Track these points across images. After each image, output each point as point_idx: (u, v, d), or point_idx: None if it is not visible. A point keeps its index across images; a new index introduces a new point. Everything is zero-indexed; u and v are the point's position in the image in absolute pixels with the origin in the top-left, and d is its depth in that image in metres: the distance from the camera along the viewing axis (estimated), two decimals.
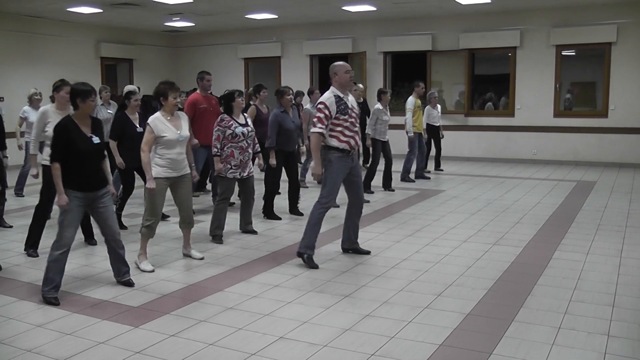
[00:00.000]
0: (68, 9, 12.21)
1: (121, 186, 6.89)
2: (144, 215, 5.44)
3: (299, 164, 8.26)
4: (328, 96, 5.39)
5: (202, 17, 13.79)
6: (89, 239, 6.27)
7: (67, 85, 5.60)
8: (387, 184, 9.50)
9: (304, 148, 8.10)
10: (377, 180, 9.46)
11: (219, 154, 6.24)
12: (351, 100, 5.53)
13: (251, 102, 8.27)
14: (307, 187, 9.61)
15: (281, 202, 8.05)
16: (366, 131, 9.36)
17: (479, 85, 15.11)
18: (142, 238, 5.39)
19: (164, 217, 7.05)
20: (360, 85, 9.41)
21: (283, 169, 7.53)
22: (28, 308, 4.40)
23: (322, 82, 14.33)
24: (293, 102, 7.99)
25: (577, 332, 3.84)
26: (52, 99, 6.11)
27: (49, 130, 5.48)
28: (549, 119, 13.04)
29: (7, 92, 12.38)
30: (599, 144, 12.65)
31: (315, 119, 5.35)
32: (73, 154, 4.48)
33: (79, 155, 4.49)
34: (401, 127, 11.02)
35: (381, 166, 9.41)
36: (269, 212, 7.50)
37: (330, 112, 5.31)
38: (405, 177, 10.56)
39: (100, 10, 12.40)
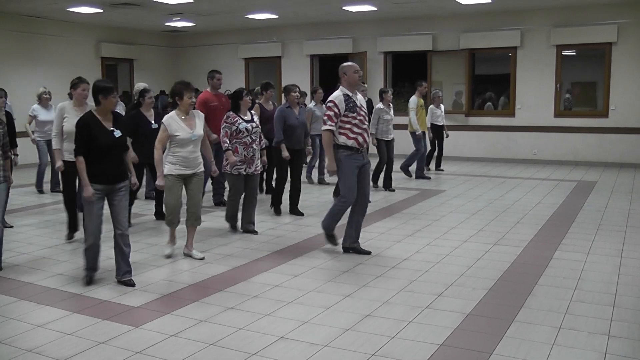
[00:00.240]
0: (68, 9, 12.22)
1: None
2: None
3: (304, 164, 8.29)
4: (337, 94, 5.57)
5: (202, 17, 13.79)
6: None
7: (84, 82, 6.07)
8: (387, 184, 9.52)
9: (309, 148, 8.14)
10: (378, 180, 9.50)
11: (230, 148, 6.38)
12: (360, 99, 5.70)
13: (256, 101, 8.35)
14: (327, 183, 10.11)
15: (281, 202, 8.04)
16: (370, 131, 9.37)
17: (479, 85, 15.10)
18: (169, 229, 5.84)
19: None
20: (365, 85, 9.55)
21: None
22: (28, 308, 4.40)
23: (323, 82, 14.32)
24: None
25: (578, 332, 3.84)
26: (70, 96, 6.44)
27: (66, 125, 5.92)
28: (550, 119, 13.04)
29: (7, 92, 12.32)
30: (599, 144, 12.65)
31: (325, 117, 5.54)
32: (95, 148, 4.67)
33: (101, 149, 4.69)
34: (403, 127, 11.02)
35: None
36: (276, 205, 7.64)
37: (339, 110, 5.49)
38: (405, 170, 10.64)
39: (101, 10, 12.41)
